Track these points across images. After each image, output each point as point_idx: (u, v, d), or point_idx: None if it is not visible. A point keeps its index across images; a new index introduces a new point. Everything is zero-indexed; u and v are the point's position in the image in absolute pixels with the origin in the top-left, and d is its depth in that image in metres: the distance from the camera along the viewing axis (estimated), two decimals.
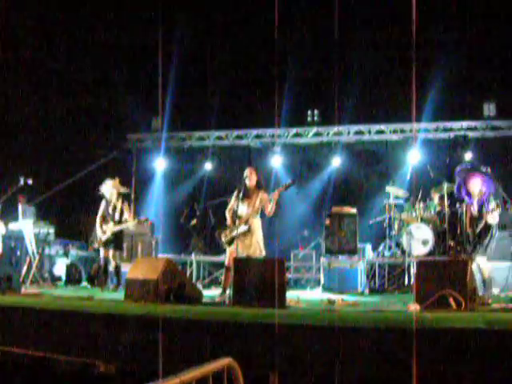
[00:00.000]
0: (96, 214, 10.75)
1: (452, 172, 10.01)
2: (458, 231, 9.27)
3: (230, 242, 8.78)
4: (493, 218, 8.43)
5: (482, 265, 8.56)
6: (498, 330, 5.20)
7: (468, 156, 13.71)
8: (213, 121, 15.47)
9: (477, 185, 8.59)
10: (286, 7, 14.16)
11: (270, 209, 8.71)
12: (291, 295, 8.38)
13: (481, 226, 8.58)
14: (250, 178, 8.93)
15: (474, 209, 8.64)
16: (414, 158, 14.10)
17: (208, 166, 15.84)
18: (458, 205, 11.15)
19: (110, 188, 10.67)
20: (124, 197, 11.01)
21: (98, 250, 10.99)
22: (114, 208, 10.57)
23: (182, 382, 2.58)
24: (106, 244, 10.49)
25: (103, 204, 10.73)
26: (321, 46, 14.55)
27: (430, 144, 14.50)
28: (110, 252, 10.52)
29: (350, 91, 13.97)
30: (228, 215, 9.02)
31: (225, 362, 3.01)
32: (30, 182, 11.02)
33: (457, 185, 9.01)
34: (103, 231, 10.50)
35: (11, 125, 14.70)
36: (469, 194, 8.73)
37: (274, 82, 14.18)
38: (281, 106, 14.49)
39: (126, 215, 10.53)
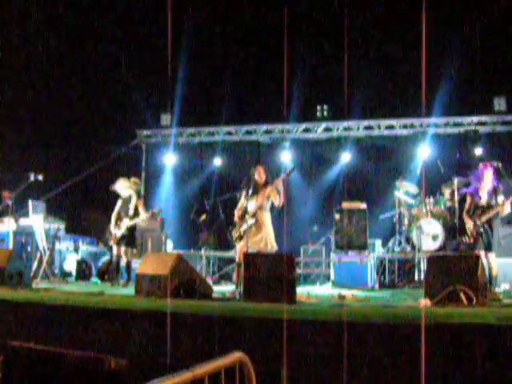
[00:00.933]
0: (107, 210, 10.80)
1: (462, 167, 10.04)
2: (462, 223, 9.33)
3: (241, 238, 8.79)
4: (507, 208, 8.54)
5: (491, 260, 8.58)
6: (508, 325, 5.18)
7: (478, 151, 13.67)
8: (222, 116, 15.47)
9: (489, 177, 8.69)
10: (296, 2, 14.19)
11: (278, 199, 8.72)
12: (301, 291, 8.37)
13: (487, 217, 8.64)
14: (260, 175, 8.93)
15: (483, 201, 8.72)
16: (424, 153, 14.06)
17: (217, 161, 15.85)
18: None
19: (124, 186, 10.71)
20: (138, 194, 11.07)
21: (111, 247, 11.04)
22: (129, 205, 10.61)
23: (195, 375, 2.58)
24: (120, 240, 10.53)
25: (119, 202, 10.79)
26: (330, 41, 14.49)
27: (440, 139, 14.44)
28: (123, 249, 10.56)
29: (359, 86, 13.93)
30: (237, 213, 9.02)
31: (236, 356, 3.01)
32: (40, 177, 11.06)
33: (471, 180, 9.06)
34: (119, 227, 10.54)
35: (21, 120, 14.75)
36: (478, 188, 8.82)
37: (283, 77, 14.17)
38: (290, 102, 14.49)
39: (140, 211, 10.57)
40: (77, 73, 15.26)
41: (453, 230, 9.41)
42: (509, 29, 13.24)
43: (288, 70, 14.33)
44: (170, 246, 13.68)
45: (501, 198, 8.66)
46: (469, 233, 8.77)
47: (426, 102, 12.89)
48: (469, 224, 8.76)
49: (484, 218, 8.67)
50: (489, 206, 8.70)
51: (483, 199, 8.76)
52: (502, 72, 13.64)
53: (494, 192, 8.72)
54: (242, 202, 9.01)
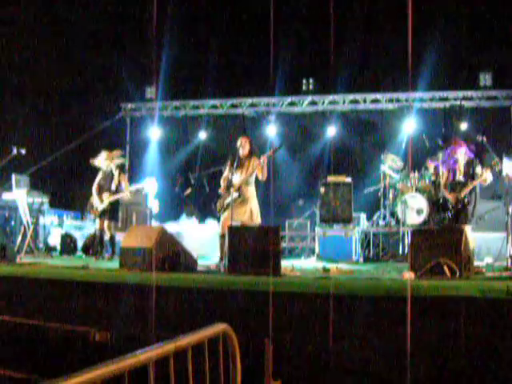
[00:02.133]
0: (92, 184, 10.71)
1: (447, 141, 10.09)
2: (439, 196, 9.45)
3: (224, 210, 8.77)
4: (489, 177, 8.63)
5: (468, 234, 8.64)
6: (491, 298, 5.22)
7: (463, 126, 13.71)
8: (207, 89, 15.37)
9: (462, 153, 8.77)
10: None
11: (262, 173, 8.71)
12: (286, 264, 8.39)
13: (467, 190, 8.72)
14: (243, 147, 8.91)
15: (460, 176, 8.79)
16: (409, 127, 14.07)
17: (202, 135, 15.78)
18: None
19: (105, 159, 10.61)
20: (121, 168, 10.99)
21: (93, 221, 10.98)
22: (111, 178, 10.52)
23: (178, 347, 2.57)
24: (102, 214, 10.47)
25: (100, 174, 10.69)
26: (316, 14, 14.38)
27: (425, 113, 14.47)
28: (106, 223, 10.50)
29: (345, 60, 13.86)
30: (222, 184, 9.01)
31: (220, 328, 3.01)
32: (23, 151, 10.95)
33: (445, 155, 9.12)
34: (101, 200, 10.46)
35: (2, 94, 14.55)
36: (453, 164, 8.89)
37: (268, 50, 14.05)
38: (276, 75, 14.40)
39: (123, 185, 10.50)
40: (60, 46, 15.04)
41: (437, 204, 9.47)
42: (495, 4, 13.20)
43: (273, 43, 14.21)
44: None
45: (479, 169, 8.75)
46: (450, 207, 8.84)
47: (411, 76, 12.85)
48: (451, 199, 8.83)
49: (464, 193, 8.75)
50: (467, 180, 8.79)
51: (460, 175, 8.84)
52: (488, 47, 13.62)
53: (470, 165, 8.81)
54: (227, 172, 8.98)
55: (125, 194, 10.54)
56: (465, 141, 9.09)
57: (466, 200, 8.78)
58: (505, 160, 10.36)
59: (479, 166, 8.85)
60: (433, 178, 12.06)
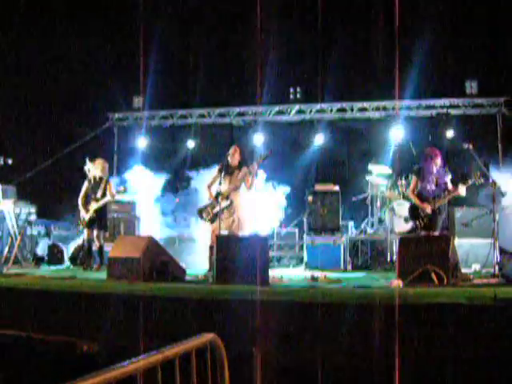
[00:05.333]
0: (78, 194, 10.66)
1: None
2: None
3: (213, 220, 8.74)
4: (463, 191, 8.65)
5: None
6: (478, 304, 5.25)
7: (450, 134, 13.79)
8: (195, 99, 15.37)
9: (438, 162, 8.79)
10: None
11: (249, 182, 8.70)
12: (274, 273, 8.38)
13: (442, 202, 8.72)
14: (233, 156, 8.90)
15: (432, 185, 8.79)
16: (396, 135, 14.13)
17: (191, 144, 15.74)
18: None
19: (97, 168, 10.56)
20: (106, 176, 10.94)
21: (81, 231, 10.93)
22: (98, 187, 10.47)
23: (165, 357, 2.56)
24: (90, 224, 10.42)
25: (85, 184, 10.64)
26: (303, 24, 14.45)
27: (412, 121, 14.54)
28: (94, 232, 10.46)
29: (332, 68, 13.91)
30: (208, 191, 8.99)
31: (208, 337, 3.00)
32: (9, 161, 10.90)
33: (427, 164, 9.05)
34: (86, 210, 10.41)
35: None
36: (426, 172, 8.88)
37: (256, 59, 14.10)
38: (263, 84, 14.43)
39: (107, 193, 10.44)
40: (47, 55, 15.00)
41: (409, 211, 9.48)
42: (480, 12, 13.32)
43: (261, 52, 14.26)
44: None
45: (448, 178, 8.77)
46: (422, 215, 8.82)
47: (398, 84, 12.92)
48: (423, 207, 8.78)
49: (438, 204, 8.74)
50: (440, 190, 8.78)
51: (432, 184, 8.81)
52: (474, 55, 13.72)
53: (442, 175, 8.81)
54: (213, 179, 8.96)
55: (108, 198, 10.44)
56: (439, 149, 9.10)
57: (438, 210, 8.77)
58: (491, 169, 10.44)
59: (450, 175, 8.87)
60: None
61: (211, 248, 8.62)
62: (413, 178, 9.09)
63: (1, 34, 14.11)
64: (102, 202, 10.41)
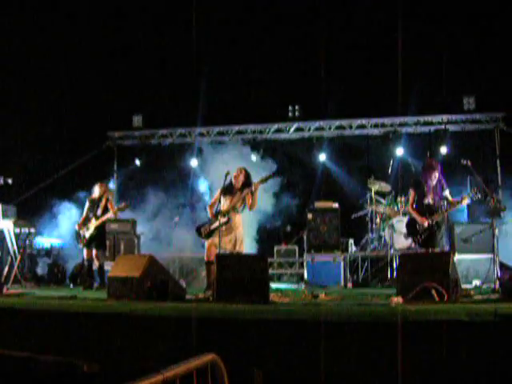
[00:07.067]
0: (79, 213, 10.71)
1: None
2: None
3: (209, 235, 8.68)
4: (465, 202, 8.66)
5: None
6: (479, 321, 5.24)
7: (448, 149, 13.85)
8: (194, 118, 15.40)
9: (436, 176, 8.70)
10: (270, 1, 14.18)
11: (251, 203, 8.65)
12: (274, 291, 8.37)
13: (440, 216, 8.64)
14: (237, 177, 8.80)
15: (429, 199, 8.72)
16: (395, 152, 14.17)
17: (194, 162, 15.73)
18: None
19: (96, 192, 10.64)
20: (107, 195, 10.97)
21: (82, 250, 10.94)
22: (98, 205, 10.51)
23: (165, 378, 2.56)
24: (90, 243, 10.42)
25: (87, 203, 10.70)
26: (302, 41, 14.53)
27: (411, 138, 14.59)
28: (94, 252, 10.46)
29: (331, 86, 13.98)
30: (209, 210, 8.95)
31: (208, 358, 3.00)
32: (9, 181, 10.93)
33: (426, 176, 9.01)
34: (87, 228, 10.43)
35: None
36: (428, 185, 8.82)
37: (254, 77, 14.17)
38: (262, 102, 14.50)
39: (109, 210, 10.47)
40: (47, 74, 15.06)
41: (407, 227, 9.40)
42: (477, 29, 13.41)
43: (259, 70, 14.34)
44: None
45: (447, 192, 8.70)
46: (420, 231, 8.72)
47: (396, 101, 12.98)
48: (422, 222, 8.68)
49: (436, 218, 8.62)
50: (436, 204, 8.70)
51: (430, 198, 8.71)
52: (471, 71, 13.80)
53: (439, 188, 8.72)
54: (215, 198, 8.94)
55: (109, 215, 10.46)
56: (438, 163, 9.01)
57: (436, 225, 8.66)
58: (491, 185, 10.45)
59: (448, 189, 8.77)
60: None
61: (207, 264, 8.61)
62: (411, 192, 8.98)
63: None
64: (103, 218, 10.44)
